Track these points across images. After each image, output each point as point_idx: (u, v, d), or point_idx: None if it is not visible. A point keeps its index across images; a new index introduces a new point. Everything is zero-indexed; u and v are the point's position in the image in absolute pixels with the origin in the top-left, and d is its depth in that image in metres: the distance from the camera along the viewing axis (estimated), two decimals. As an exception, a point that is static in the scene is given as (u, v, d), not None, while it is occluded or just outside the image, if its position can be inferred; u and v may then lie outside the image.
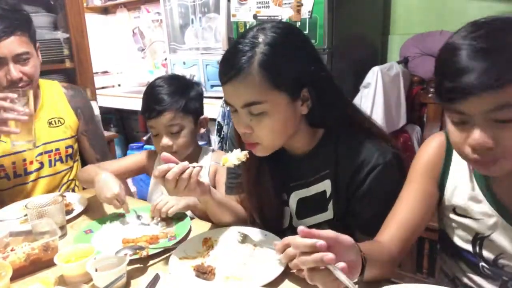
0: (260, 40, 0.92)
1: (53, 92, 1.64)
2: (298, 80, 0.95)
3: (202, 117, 1.44)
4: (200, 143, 2.96)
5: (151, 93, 1.38)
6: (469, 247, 0.92)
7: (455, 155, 0.90)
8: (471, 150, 0.74)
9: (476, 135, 0.72)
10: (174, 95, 1.35)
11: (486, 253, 0.90)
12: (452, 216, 0.94)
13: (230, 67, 0.93)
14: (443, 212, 0.97)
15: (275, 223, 1.16)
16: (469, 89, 0.68)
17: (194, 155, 1.46)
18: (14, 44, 1.38)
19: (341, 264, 0.65)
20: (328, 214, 1.08)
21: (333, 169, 1.04)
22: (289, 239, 0.83)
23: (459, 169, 0.91)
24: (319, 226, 1.10)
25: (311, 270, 0.67)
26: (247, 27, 2.19)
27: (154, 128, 1.37)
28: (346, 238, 0.71)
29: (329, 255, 0.64)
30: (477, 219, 0.89)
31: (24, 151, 1.52)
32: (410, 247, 0.98)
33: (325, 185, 1.06)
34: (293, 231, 1.15)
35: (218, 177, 1.44)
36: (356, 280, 0.73)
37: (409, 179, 0.97)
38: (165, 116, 1.33)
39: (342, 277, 0.63)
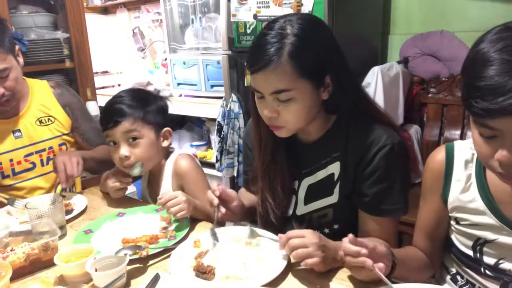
0: (288, 31, 0.96)
1: (42, 92, 1.63)
2: (322, 68, 1.00)
3: (165, 129, 1.41)
4: (200, 143, 3.01)
5: (110, 103, 1.37)
6: (470, 252, 0.94)
7: (455, 169, 0.94)
8: (498, 164, 0.74)
9: (505, 152, 0.71)
10: (131, 106, 1.34)
11: (486, 258, 0.91)
12: (454, 224, 0.97)
13: (260, 58, 0.96)
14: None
15: (282, 211, 1.18)
16: (505, 109, 0.66)
17: (159, 167, 1.44)
18: None
19: (380, 265, 0.81)
20: (333, 198, 1.11)
21: (343, 151, 1.08)
22: (292, 233, 0.93)
23: (460, 182, 0.94)
24: (323, 210, 1.13)
25: (356, 267, 0.84)
26: (247, 27, 2.19)
27: (111, 137, 1.34)
28: (382, 248, 0.86)
29: (369, 262, 0.80)
30: (478, 225, 0.91)
31: (13, 150, 1.52)
32: (438, 254, 1.05)
33: (334, 168, 1.10)
34: (296, 220, 1.18)
35: (184, 183, 1.40)
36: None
37: (422, 192, 1.03)
38: (122, 125, 1.32)
39: (380, 273, 0.81)
